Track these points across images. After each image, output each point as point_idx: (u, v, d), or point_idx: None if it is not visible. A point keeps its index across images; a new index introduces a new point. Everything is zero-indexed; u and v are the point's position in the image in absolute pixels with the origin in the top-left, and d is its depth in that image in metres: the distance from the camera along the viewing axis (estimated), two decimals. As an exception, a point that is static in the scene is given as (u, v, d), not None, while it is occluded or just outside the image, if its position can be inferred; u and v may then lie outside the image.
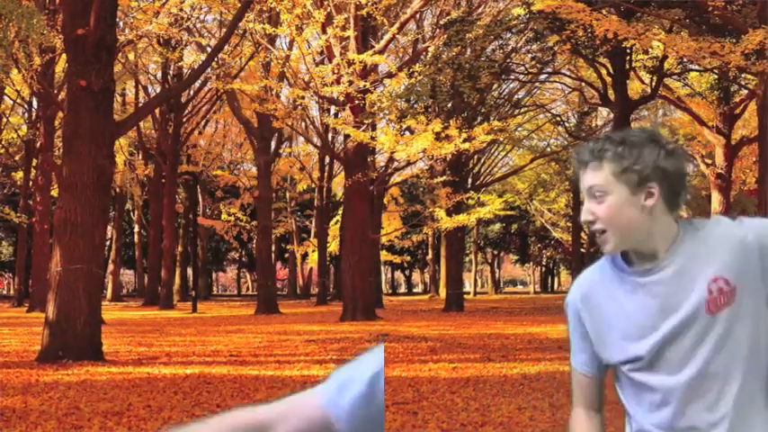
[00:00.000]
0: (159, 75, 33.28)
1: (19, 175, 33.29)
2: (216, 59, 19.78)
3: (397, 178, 31.65)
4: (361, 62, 20.39)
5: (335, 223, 38.94)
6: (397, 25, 21.86)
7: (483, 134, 20.63)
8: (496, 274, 65.57)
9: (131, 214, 46.37)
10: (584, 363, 1.80)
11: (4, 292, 60.60)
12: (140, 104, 31.90)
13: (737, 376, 1.62)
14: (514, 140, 31.90)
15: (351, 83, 20.41)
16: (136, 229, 43.72)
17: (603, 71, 16.87)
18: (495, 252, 60.21)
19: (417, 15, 25.23)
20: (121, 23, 21.12)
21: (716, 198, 24.39)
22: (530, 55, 20.24)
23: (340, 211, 33.42)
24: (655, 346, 1.65)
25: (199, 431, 1.05)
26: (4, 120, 31.28)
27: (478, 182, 29.71)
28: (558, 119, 27.90)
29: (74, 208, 11.23)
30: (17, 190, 35.59)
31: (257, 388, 8.72)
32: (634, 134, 1.68)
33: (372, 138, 21.58)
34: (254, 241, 38.88)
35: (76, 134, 11.45)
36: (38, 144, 27.54)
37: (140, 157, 37.67)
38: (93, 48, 11.45)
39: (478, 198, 33.12)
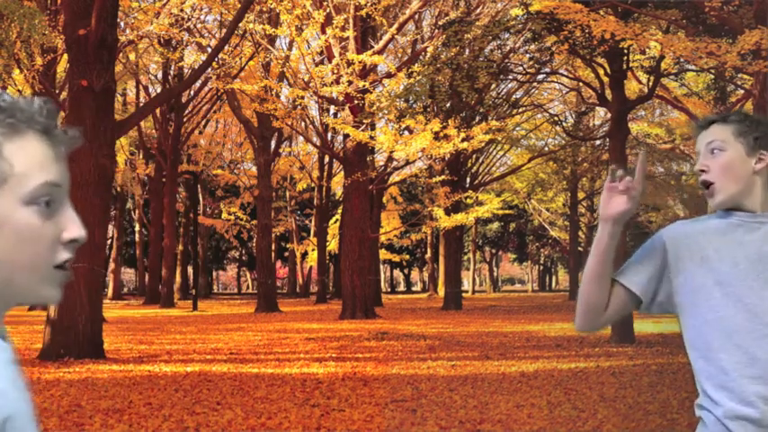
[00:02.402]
0: (160, 75, 33.36)
1: (20, 174, 33.30)
2: (216, 59, 19.86)
3: (396, 177, 31.74)
4: (360, 62, 20.49)
5: (335, 222, 39.02)
6: (396, 26, 21.97)
7: (481, 134, 20.73)
8: (495, 273, 65.68)
9: (132, 213, 46.44)
10: (636, 282, 1.85)
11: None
12: (141, 104, 31.96)
13: None
14: (512, 140, 31.96)
15: (350, 83, 20.51)
16: (137, 227, 43.78)
17: (601, 71, 16.90)
18: (494, 251, 60.29)
19: (416, 16, 25.33)
20: (122, 24, 21.18)
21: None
22: (528, 55, 20.26)
23: (339, 210, 33.49)
24: (745, 286, 1.77)
25: None
26: (5, 119, 31.32)
27: (477, 181, 29.76)
28: (556, 118, 27.91)
29: (75, 207, 11.28)
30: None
31: (257, 386, 8.81)
32: (758, 115, 1.93)
33: (371, 137, 21.67)
34: (254, 240, 38.97)
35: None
36: (38, 143, 27.55)
37: (141, 156, 37.73)
38: (94, 48, 11.53)
39: (477, 197, 33.23)
